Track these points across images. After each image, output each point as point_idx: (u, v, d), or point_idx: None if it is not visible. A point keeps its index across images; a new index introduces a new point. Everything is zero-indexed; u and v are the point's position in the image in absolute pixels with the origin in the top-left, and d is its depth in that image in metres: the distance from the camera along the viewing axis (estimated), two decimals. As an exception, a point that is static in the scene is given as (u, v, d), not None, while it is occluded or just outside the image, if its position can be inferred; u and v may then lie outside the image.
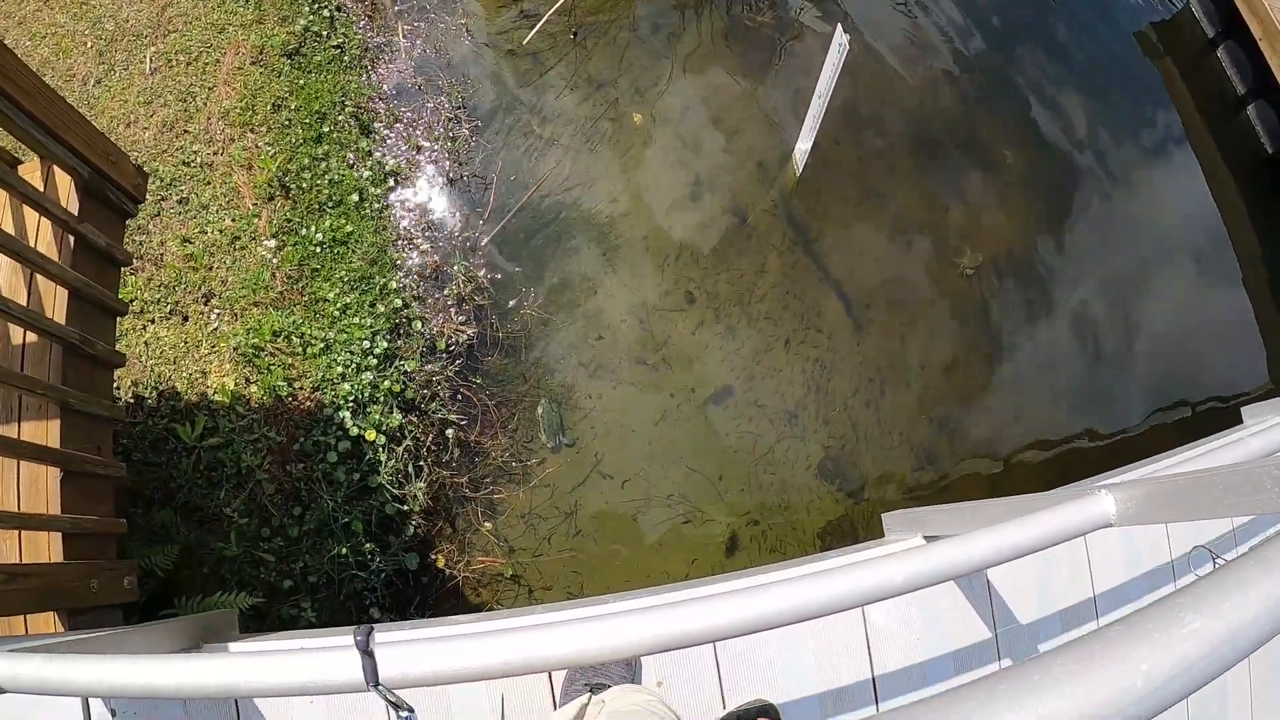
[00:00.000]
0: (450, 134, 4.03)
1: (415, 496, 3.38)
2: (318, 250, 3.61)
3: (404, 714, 1.09)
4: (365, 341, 3.47)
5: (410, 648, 1.12)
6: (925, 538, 2.48)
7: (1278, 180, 5.13)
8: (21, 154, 2.71)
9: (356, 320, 3.51)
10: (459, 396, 3.63)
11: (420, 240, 3.83)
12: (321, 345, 3.44)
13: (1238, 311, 4.86)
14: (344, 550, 3.22)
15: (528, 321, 3.81)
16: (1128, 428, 4.41)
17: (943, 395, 4.16)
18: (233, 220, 3.60)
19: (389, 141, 3.98)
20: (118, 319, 2.56)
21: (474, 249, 3.87)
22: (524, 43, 4.28)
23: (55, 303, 2.25)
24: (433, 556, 3.42)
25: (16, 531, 2.10)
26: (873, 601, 1.32)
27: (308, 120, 3.81)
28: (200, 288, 3.49)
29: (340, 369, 3.41)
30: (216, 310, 3.48)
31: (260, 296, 3.49)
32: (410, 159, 3.96)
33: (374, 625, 1.19)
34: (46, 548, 2.12)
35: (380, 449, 3.36)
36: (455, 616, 2.56)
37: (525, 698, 2.18)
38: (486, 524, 3.52)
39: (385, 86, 4.09)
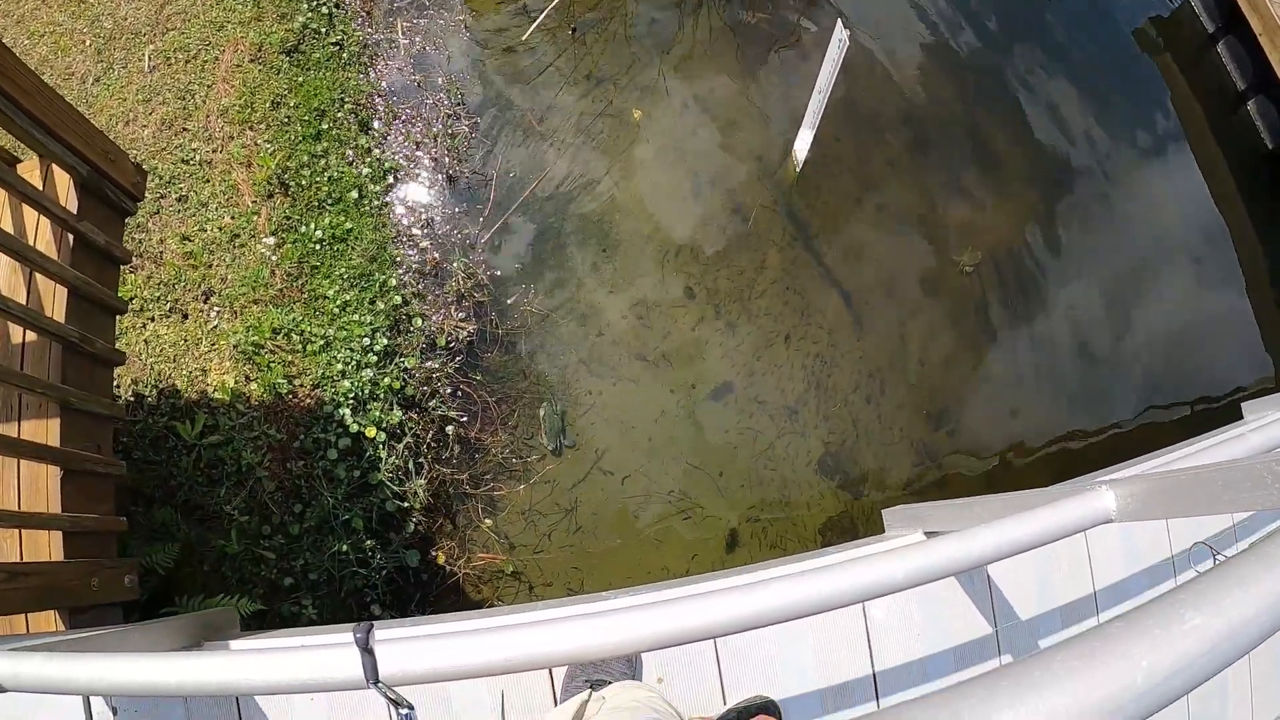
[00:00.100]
0: (449, 131, 4.02)
1: (416, 493, 3.38)
2: (317, 247, 3.61)
3: (404, 711, 1.09)
4: (365, 338, 3.47)
5: (410, 645, 1.12)
6: (926, 533, 2.48)
7: (1277, 176, 5.12)
8: (20, 152, 2.71)
9: (356, 317, 3.51)
10: (459, 393, 3.63)
11: (420, 237, 3.82)
12: (321, 342, 3.44)
13: (1238, 306, 4.86)
14: (345, 547, 3.22)
15: (528, 318, 3.81)
16: (1127, 423, 4.41)
17: (943, 391, 4.16)
18: (232, 218, 3.59)
19: (388, 138, 3.98)
20: (117, 317, 2.56)
21: (473, 246, 3.87)
22: (523, 39, 4.27)
23: (55, 301, 2.25)
24: (433, 553, 3.42)
25: (17, 530, 2.10)
26: (873, 597, 1.32)
27: (307, 117, 3.81)
28: (200, 285, 3.49)
29: (340, 366, 3.40)
30: (216, 308, 3.47)
31: (260, 294, 3.49)
32: (409, 156, 3.96)
33: (374, 622, 1.19)
34: (47, 546, 2.12)
35: (380, 446, 3.36)
36: (456, 613, 2.57)
37: (525, 694, 2.18)
38: (487, 520, 3.52)
39: (384, 83, 4.08)
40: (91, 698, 1.93)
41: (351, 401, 3.38)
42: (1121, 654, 0.64)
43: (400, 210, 3.87)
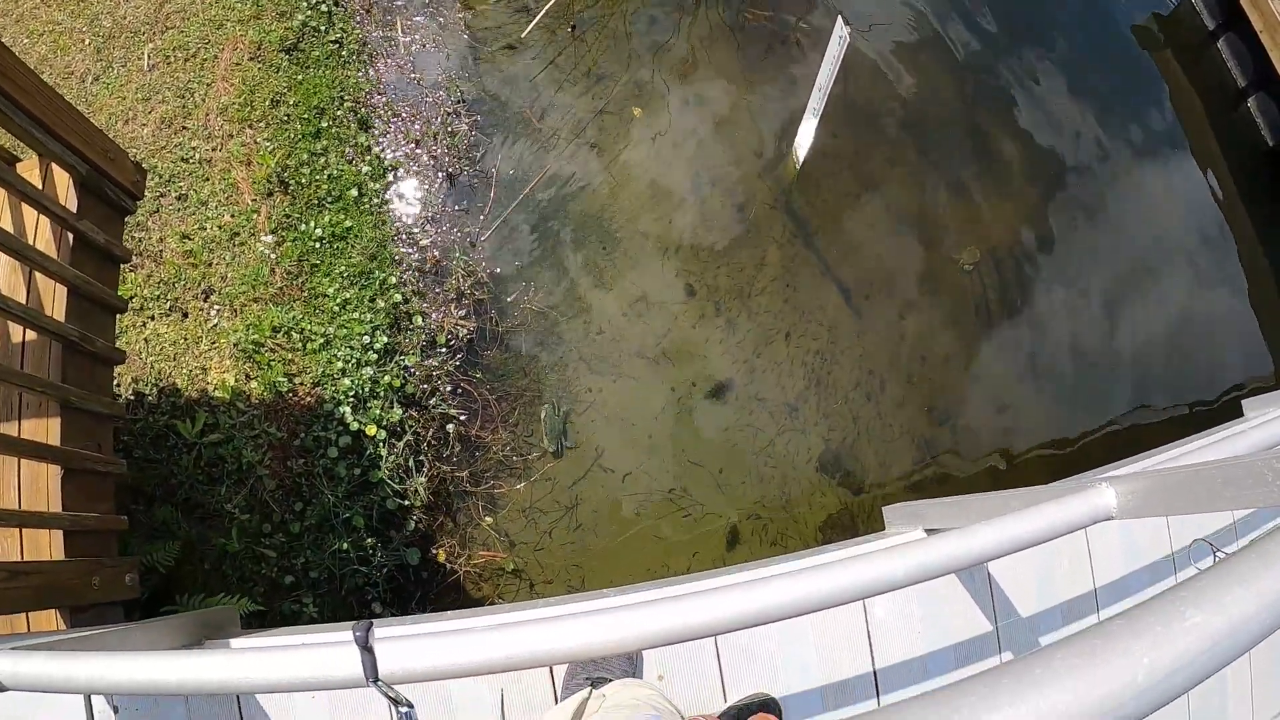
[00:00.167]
0: (449, 128, 4.02)
1: (416, 491, 3.38)
2: (317, 246, 3.61)
3: (403, 709, 1.09)
4: (365, 337, 3.47)
5: (410, 643, 1.12)
6: (926, 531, 2.48)
7: (1278, 173, 5.11)
8: (20, 151, 2.71)
9: (356, 315, 3.51)
10: (459, 391, 3.63)
11: (420, 235, 3.82)
12: (321, 340, 3.44)
13: (1238, 304, 4.85)
14: (345, 545, 3.22)
15: (527, 316, 3.81)
16: (1127, 421, 4.41)
17: (943, 388, 4.16)
18: (232, 216, 3.59)
19: (388, 137, 3.97)
20: (117, 316, 2.55)
21: (473, 243, 3.86)
22: (522, 36, 4.27)
23: (55, 300, 2.25)
24: (434, 551, 3.42)
25: (18, 529, 2.10)
26: (874, 595, 1.32)
27: (306, 116, 3.81)
28: (200, 284, 3.49)
29: (340, 364, 3.41)
30: (216, 306, 3.47)
31: (260, 292, 3.48)
32: (409, 154, 3.96)
33: (373, 621, 1.19)
34: (48, 545, 2.12)
35: (381, 444, 3.36)
36: (456, 611, 2.57)
37: (526, 692, 2.18)
38: (487, 518, 3.52)
39: (384, 81, 4.08)
40: (93, 697, 1.93)
41: (352, 399, 3.38)
42: (1122, 651, 0.64)
43: (400, 208, 3.86)
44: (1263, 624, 0.68)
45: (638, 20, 4.46)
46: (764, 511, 3.78)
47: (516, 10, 4.34)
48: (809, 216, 4.27)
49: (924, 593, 2.45)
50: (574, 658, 1.18)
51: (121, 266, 2.61)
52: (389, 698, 1.09)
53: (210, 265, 3.52)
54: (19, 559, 2.09)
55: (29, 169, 2.31)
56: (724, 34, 4.52)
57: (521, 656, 1.12)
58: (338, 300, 3.52)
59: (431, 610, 3.35)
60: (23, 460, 2.14)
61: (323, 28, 4.01)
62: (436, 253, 3.79)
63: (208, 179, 3.65)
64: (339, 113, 3.88)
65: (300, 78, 3.88)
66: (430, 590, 3.39)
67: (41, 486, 2.14)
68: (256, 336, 3.38)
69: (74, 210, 2.28)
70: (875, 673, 2.41)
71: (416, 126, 4.00)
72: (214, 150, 3.70)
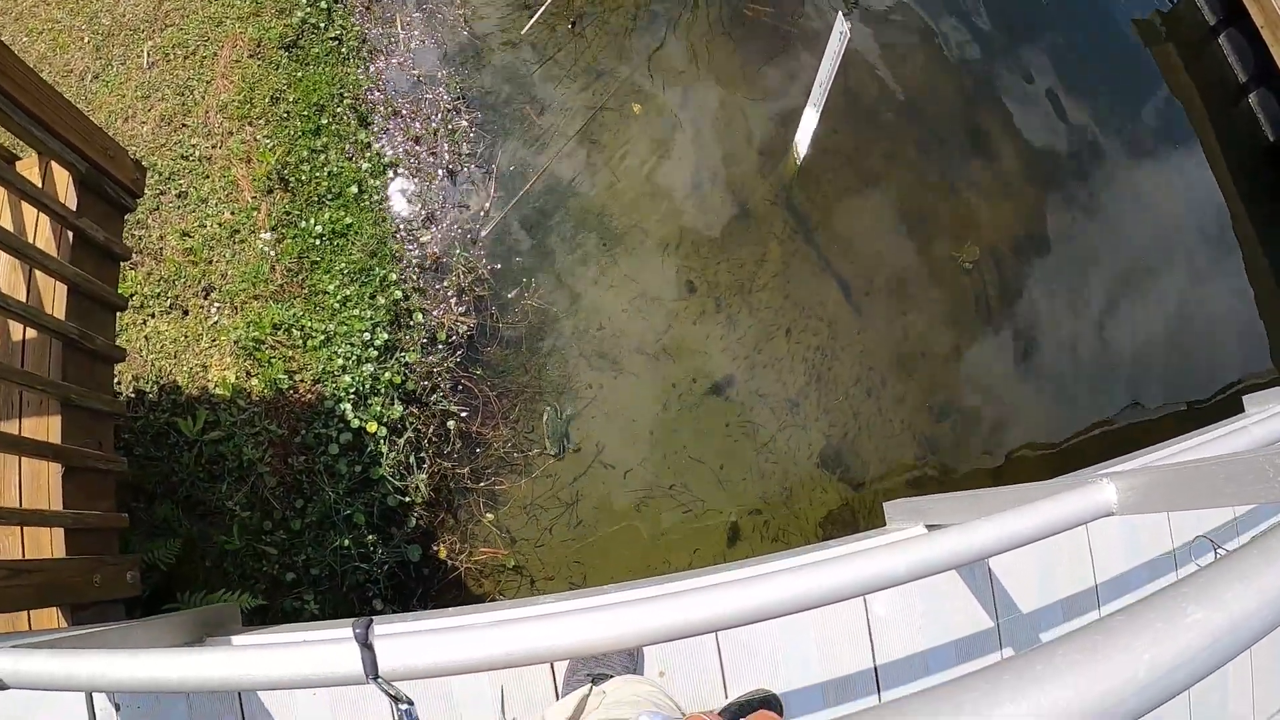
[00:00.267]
0: (449, 125, 4.01)
1: (417, 488, 3.39)
2: (317, 243, 3.60)
3: (403, 707, 1.09)
4: (366, 333, 3.47)
5: (410, 640, 1.12)
6: (927, 526, 2.48)
7: (1279, 169, 5.11)
8: (20, 150, 2.71)
9: (357, 312, 3.50)
10: (460, 388, 3.63)
11: (420, 232, 3.82)
12: (322, 338, 3.43)
13: (1239, 298, 4.85)
14: (346, 542, 3.22)
15: (528, 312, 3.81)
16: (1128, 417, 4.41)
17: (944, 384, 4.16)
18: (232, 213, 3.59)
19: (388, 133, 3.97)
20: (117, 314, 2.55)
21: (474, 240, 3.86)
22: (522, 32, 4.26)
23: (55, 298, 2.25)
24: (435, 548, 3.42)
25: (19, 527, 2.10)
26: (875, 590, 1.32)
27: (306, 113, 3.80)
28: (200, 281, 3.49)
29: (341, 361, 3.40)
30: (216, 304, 3.47)
31: (260, 289, 3.48)
32: (409, 150, 3.95)
33: (373, 618, 1.19)
34: (49, 543, 2.12)
35: (382, 441, 3.36)
36: (457, 607, 2.57)
37: (527, 689, 2.18)
38: (488, 515, 3.52)
39: (383, 78, 4.07)
40: (94, 694, 1.94)
41: (352, 396, 3.38)
42: (1124, 648, 0.64)
43: (400, 205, 3.86)
44: (1264, 621, 0.68)
45: (638, 16, 4.45)
46: (765, 507, 3.78)
47: (516, 6, 4.33)
48: (809, 212, 4.26)
49: (925, 589, 2.45)
50: (574, 654, 1.18)
51: (121, 264, 2.61)
52: (389, 695, 1.09)
53: (210, 263, 3.52)
54: (20, 557, 2.09)
55: (29, 167, 2.31)
56: (724, 30, 4.51)
57: (522, 653, 1.12)
58: (338, 297, 3.52)
59: (433, 607, 3.35)
60: (24, 458, 2.14)
61: (322, 24, 4.01)
62: (437, 249, 3.79)
63: (208, 176, 3.65)
64: (339, 109, 3.88)
65: (300, 74, 3.87)
66: (431, 587, 3.40)
67: (42, 484, 2.14)
68: (257, 334, 3.38)
69: (74, 208, 2.27)
70: (876, 669, 2.41)
71: (416, 123, 4.00)
72: (214, 147, 3.70)
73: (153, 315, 3.44)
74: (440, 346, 3.63)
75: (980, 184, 4.58)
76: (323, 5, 4.04)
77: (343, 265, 3.58)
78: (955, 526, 1.38)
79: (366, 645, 1.09)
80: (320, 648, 1.13)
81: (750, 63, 4.49)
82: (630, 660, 2.24)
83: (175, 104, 3.75)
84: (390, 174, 3.87)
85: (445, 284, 3.74)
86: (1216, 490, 1.30)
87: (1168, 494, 1.35)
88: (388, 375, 3.44)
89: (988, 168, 4.63)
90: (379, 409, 3.38)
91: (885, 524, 2.75)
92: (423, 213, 3.86)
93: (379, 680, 1.09)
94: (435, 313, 3.69)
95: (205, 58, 3.84)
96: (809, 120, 4.09)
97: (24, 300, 2.18)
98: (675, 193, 4.14)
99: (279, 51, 3.87)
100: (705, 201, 4.16)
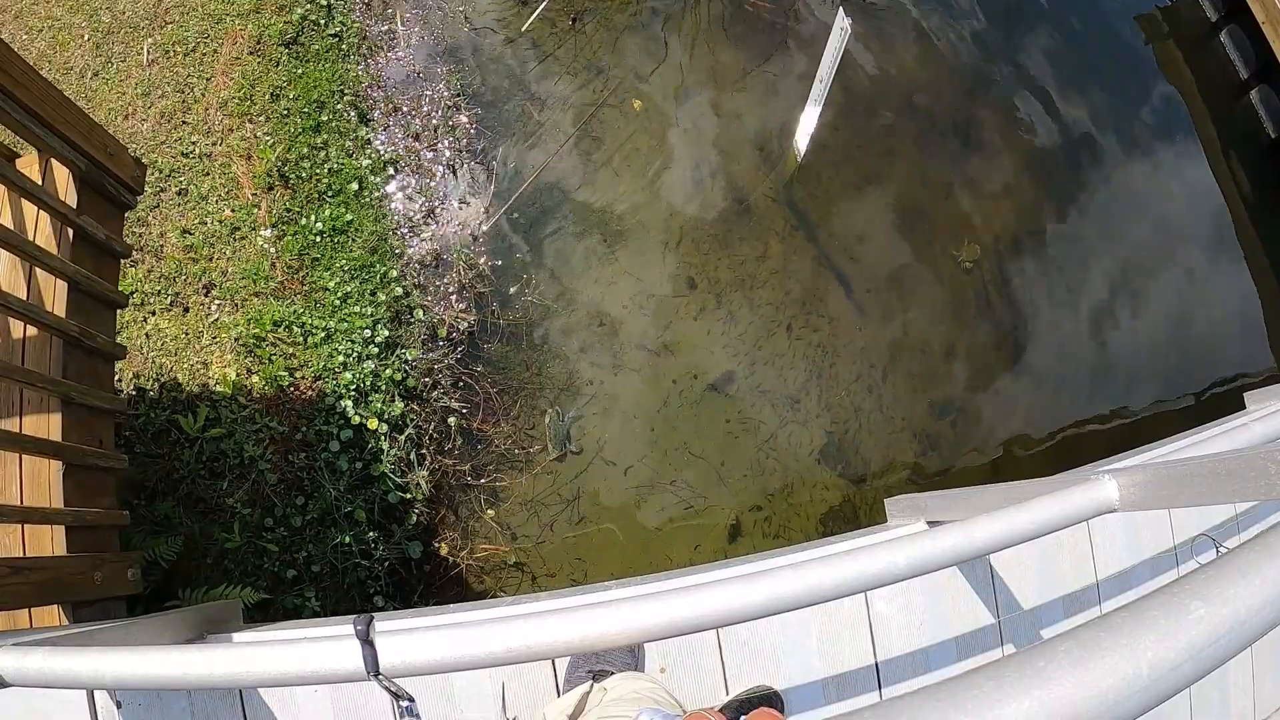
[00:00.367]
0: (449, 122, 4.01)
1: (418, 484, 3.39)
2: (318, 239, 3.60)
3: (404, 703, 1.10)
4: (366, 330, 3.46)
5: (410, 636, 1.12)
6: (928, 523, 2.48)
7: (1280, 165, 5.11)
8: (20, 148, 2.71)
9: (357, 309, 3.50)
10: (461, 384, 3.63)
11: (420, 228, 3.82)
12: (323, 334, 3.43)
13: (1241, 295, 4.85)
14: (347, 539, 3.22)
15: (529, 308, 3.81)
16: (1130, 413, 4.41)
17: (945, 380, 4.16)
18: (232, 210, 3.59)
19: (388, 130, 3.96)
20: (118, 311, 2.55)
21: (474, 236, 3.86)
22: (523, 29, 4.25)
23: (55, 296, 2.25)
24: (436, 544, 3.43)
25: (20, 525, 2.11)
26: (876, 587, 1.32)
27: (306, 109, 3.80)
28: (200, 279, 3.49)
29: (342, 358, 3.40)
30: (217, 301, 3.47)
31: (261, 286, 3.48)
32: (409, 147, 3.95)
33: (374, 614, 1.19)
34: (50, 541, 2.12)
35: (382, 438, 3.36)
36: (458, 604, 2.57)
37: (528, 686, 2.18)
38: (489, 511, 3.52)
39: (384, 75, 4.06)
40: (95, 692, 1.94)
41: (353, 393, 3.38)
42: (1127, 644, 0.64)
43: (401, 202, 3.86)
44: (1266, 618, 0.68)
45: (639, 11, 4.44)
46: (766, 504, 3.78)
47: (517, 2, 4.33)
48: (810, 209, 4.26)
49: (926, 585, 2.45)
50: (575, 651, 1.18)
51: (122, 261, 2.61)
52: (390, 692, 1.09)
53: (211, 260, 3.52)
54: (21, 555, 2.09)
55: (29, 165, 2.30)
56: (725, 25, 4.50)
57: (522, 650, 1.12)
58: (339, 294, 3.52)
59: (434, 604, 3.35)
60: (24, 456, 2.14)
61: (322, 21, 4.00)
62: (437, 246, 3.79)
63: (208, 174, 3.65)
64: (339, 106, 3.87)
65: (300, 71, 3.86)
66: (432, 584, 3.40)
67: (43, 482, 2.14)
68: (257, 331, 3.38)
69: (74, 206, 2.27)
70: (877, 665, 2.41)
71: (416, 120, 3.99)
72: (214, 145, 3.69)
73: (153, 312, 3.44)
74: (441, 343, 3.63)
75: (980, 181, 4.58)
76: (323, 2, 4.03)
77: (343, 262, 3.58)
78: (956, 523, 1.38)
79: (367, 642, 1.09)
80: (321, 644, 1.13)
81: (751, 59, 4.48)
82: (631, 657, 2.24)
83: (175, 101, 3.75)
84: (390, 170, 3.87)
85: (446, 280, 3.74)
86: (1218, 487, 1.29)
87: (1169, 491, 1.35)
88: (388, 372, 3.44)
89: (988, 165, 4.63)
90: (380, 405, 3.38)
91: (886, 520, 2.75)
92: (423, 209, 3.85)
93: (380, 677, 1.09)
94: (436, 309, 3.68)
95: (205, 55, 3.84)
96: (809, 117, 4.09)
97: (24, 298, 2.18)
98: (676, 189, 4.14)
99: (279, 48, 3.87)
100: (706, 198, 4.16)
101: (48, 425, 2.17)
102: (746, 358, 3.94)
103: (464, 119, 4.04)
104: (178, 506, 3.14)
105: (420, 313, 3.63)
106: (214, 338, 3.41)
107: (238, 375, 3.32)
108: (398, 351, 3.52)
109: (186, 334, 3.41)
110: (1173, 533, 2.74)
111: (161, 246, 3.53)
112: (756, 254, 4.09)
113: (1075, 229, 4.62)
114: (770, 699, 2.25)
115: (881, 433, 3.99)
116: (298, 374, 3.39)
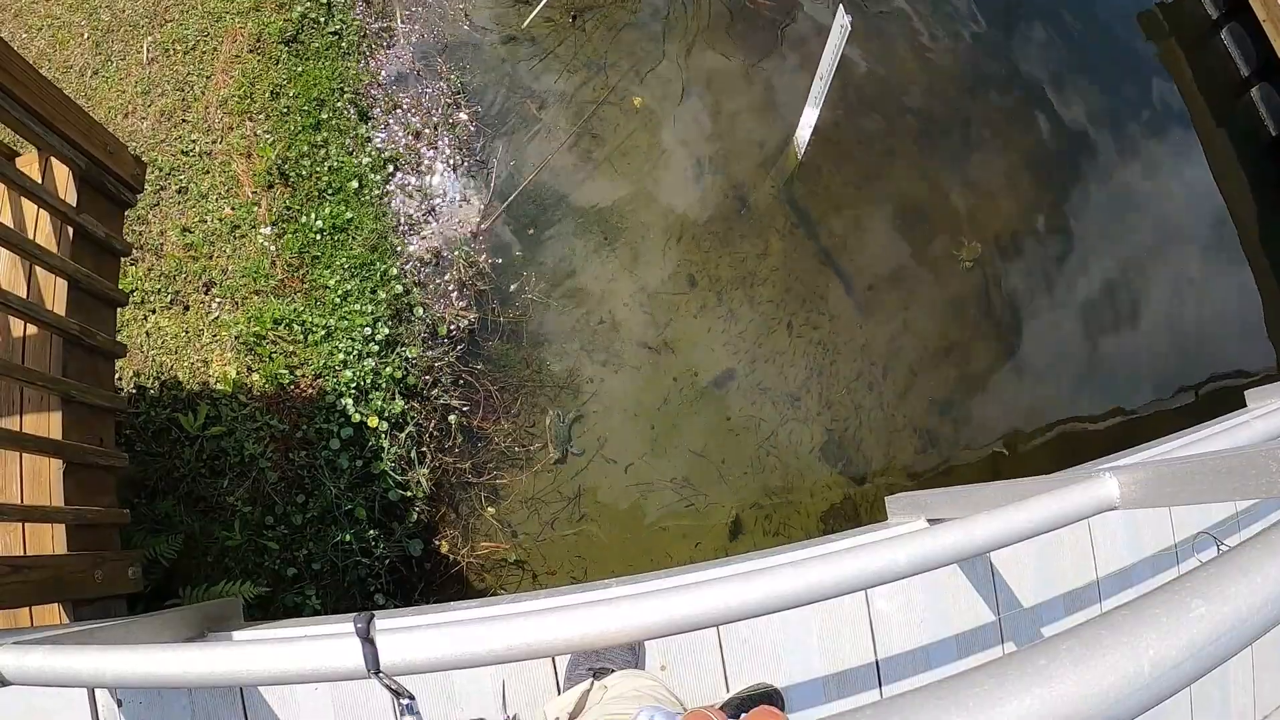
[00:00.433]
0: (449, 119, 4.01)
1: (418, 482, 3.39)
2: (318, 237, 3.60)
3: (405, 701, 1.10)
4: (366, 328, 3.46)
5: (410, 634, 1.12)
6: (929, 521, 2.48)
7: (1281, 162, 5.10)
8: (20, 146, 2.70)
9: (358, 307, 3.50)
10: (461, 382, 3.63)
11: (420, 226, 3.81)
12: (323, 332, 3.43)
13: (1241, 293, 4.85)
14: (348, 537, 3.22)
15: (529, 306, 3.81)
16: (1131, 411, 4.40)
17: (945, 379, 4.16)
18: (232, 209, 3.59)
19: (388, 128, 3.96)
20: (118, 309, 2.55)
21: (475, 234, 3.86)
22: (523, 27, 4.25)
23: (55, 294, 2.24)
24: (436, 542, 3.43)
25: (20, 524, 2.10)
26: (877, 585, 1.32)
27: (306, 107, 3.79)
28: (201, 277, 3.49)
29: (342, 356, 3.40)
30: (217, 299, 3.47)
31: (261, 285, 3.48)
32: (409, 145, 3.95)
33: (374, 612, 1.19)
34: (50, 539, 2.12)
35: (383, 435, 3.36)
36: (458, 602, 2.57)
37: (528, 683, 2.18)
38: (490, 509, 3.52)
39: (383, 72, 4.06)
40: (96, 690, 1.94)
41: (354, 391, 3.37)
42: (1128, 642, 0.64)
43: (401, 199, 3.85)
44: (1268, 615, 0.68)
45: (639, 9, 4.44)
46: (766, 501, 3.78)
47: (517, 0, 4.32)
48: (810, 207, 4.26)
49: (927, 583, 2.45)
50: (576, 648, 1.18)
51: (122, 260, 2.61)
52: (391, 689, 1.09)
53: (211, 258, 3.52)
54: (22, 553, 2.09)
55: (29, 163, 2.30)
56: (726, 23, 4.50)
57: (523, 647, 1.12)
58: (339, 292, 3.52)
59: (434, 601, 3.35)
60: (25, 454, 2.13)
61: (322, 19, 4.00)
62: (437, 243, 3.79)
63: (208, 172, 3.64)
64: (339, 104, 3.87)
65: (300, 69, 3.86)
66: (433, 581, 3.40)
67: (43, 481, 2.14)
68: (258, 329, 3.37)
69: (74, 204, 2.27)
70: (878, 663, 2.41)
71: (416, 118, 3.99)
72: (214, 143, 3.69)
73: (153, 311, 3.44)
74: (441, 340, 3.63)
75: (981, 180, 4.57)
76: (322, 0, 4.02)
77: (343, 260, 3.58)
78: (957, 521, 1.38)
79: (368, 640, 1.09)
80: (322, 642, 1.13)
81: (751, 56, 4.48)
82: (632, 655, 2.24)
83: (175, 99, 3.74)
84: (390, 168, 3.86)
85: (446, 278, 3.74)
86: (1219, 485, 1.29)
87: (1169, 489, 1.35)
88: (389, 370, 3.44)
89: (988, 163, 4.63)
90: (380, 404, 3.38)
91: (887, 518, 2.75)
92: (423, 207, 3.85)
93: (380, 675, 1.09)
94: (436, 307, 3.68)
95: (205, 53, 3.83)
96: (809, 114, 4.08)
97: (24, 296, 2.18)
98: (676, 187, 4.14)
99: (279, 46, 3.86)
100: (706, 195, 4.16)
101: (48, 424, 2.17)
102: (747, 355, 3.94)
103: (464, 116, 4.04)
104: (178, 505, 3.14)
105: (420, 310, 3.62)
106: (214, 336, 3.41)
107: (238, 373, 3.32)
108: (398, 349, 3.52)
109: (187, 332, 3.41)
110: (1173, 530, 2.74)
111: (162, 244, 3.53)
112: (757, 251, 4.09)
113: (1075, 228, 4.62)
114: (771, 697, 2.26)
115: (882, 430, 3.99)
116: (298, 372, 3.39)
